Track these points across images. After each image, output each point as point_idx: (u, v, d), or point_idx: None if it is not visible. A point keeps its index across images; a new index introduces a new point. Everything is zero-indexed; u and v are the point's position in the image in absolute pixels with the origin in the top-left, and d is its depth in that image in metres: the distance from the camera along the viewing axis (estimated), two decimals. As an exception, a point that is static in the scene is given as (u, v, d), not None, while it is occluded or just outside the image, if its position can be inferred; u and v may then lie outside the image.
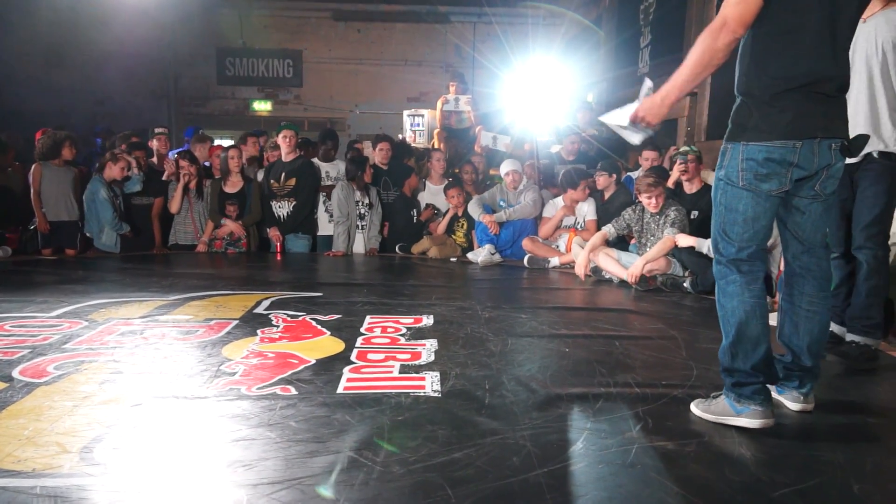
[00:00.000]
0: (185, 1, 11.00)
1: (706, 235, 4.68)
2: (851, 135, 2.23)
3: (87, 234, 6.09)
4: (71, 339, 3.15)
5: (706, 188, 5.17)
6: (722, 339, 2.28)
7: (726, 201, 2.25)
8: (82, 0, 8.80)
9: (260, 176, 6.53)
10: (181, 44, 12.35)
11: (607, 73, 8.99)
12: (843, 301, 3.21)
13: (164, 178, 6.46)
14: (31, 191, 5.85)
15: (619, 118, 2.40)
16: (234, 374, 2.68)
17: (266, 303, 4.04)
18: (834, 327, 3.24)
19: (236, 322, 3.54)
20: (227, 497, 1.70)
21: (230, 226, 6.28)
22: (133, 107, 11.22)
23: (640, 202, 5.01)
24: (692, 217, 4.98)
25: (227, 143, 7.85)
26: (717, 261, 2.32)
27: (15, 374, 2.64)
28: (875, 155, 2.98)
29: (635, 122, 2.33)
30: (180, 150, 7.08)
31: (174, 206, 6.28)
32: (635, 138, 2.45)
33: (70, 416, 2.21)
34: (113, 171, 6.03)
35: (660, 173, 5.13)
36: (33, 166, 5.93)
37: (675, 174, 5.36)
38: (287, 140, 6.33)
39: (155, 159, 6.79)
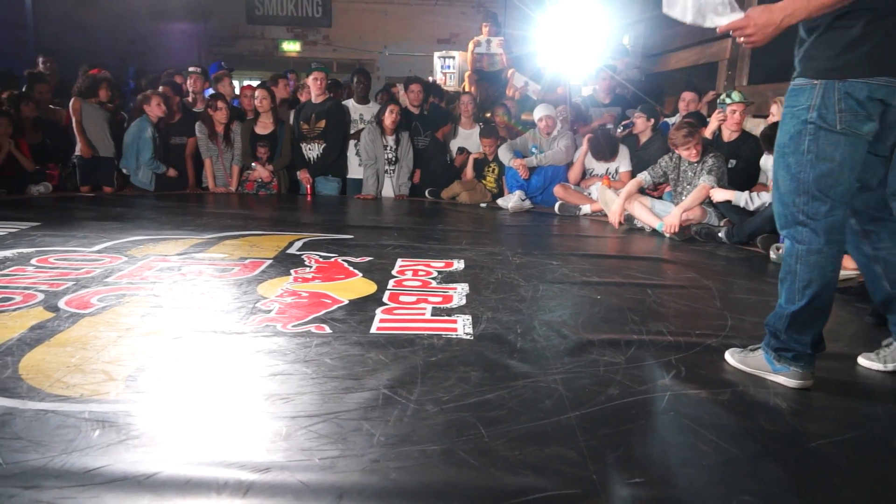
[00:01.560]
0: (214, -64, 10.82)
1: (745, 184, 4.60)
2: None
3: (124, 171, 6.17)
4: (112, 273, 3.22)
5: (745, 135, 5.03)
6: (780, 300, 2.13)
7: (818, 149, 1.96)
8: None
9: (291, 118, 6.50)
10: (210, -20, 12.20)
11: (645, 12, 8.67)
12: None
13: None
14: (73, 121, 5.93)
15: (697, 15, 1.99)
16: (269, 311, 2.73)
17: (298, 244, 4.08)
18: None
19: (270, 261, 3.58)
20: (266, 427, 1.75)
21: (259, 171, 6.30)
22: (163, 46, 11.18)
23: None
24: (731, 166, 4.86)
25: (255, 83, 7.81)
26: (798, 222, 2.03)
27: (61, 304, 2.72)
28: None
29: (730, 32, 1.99)
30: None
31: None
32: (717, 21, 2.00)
33: (114, 346, 2.28)
34: (153, 109, 6.06)
35: (693, 121, 4.98)
36: (72, 100, 5.99)
37: (713, 124, 5.21)
38: (318, 82, 6.27)
39: (190, 99, 6.79)
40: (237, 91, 7.16)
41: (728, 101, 5.01)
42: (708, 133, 5.15)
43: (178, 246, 3.89)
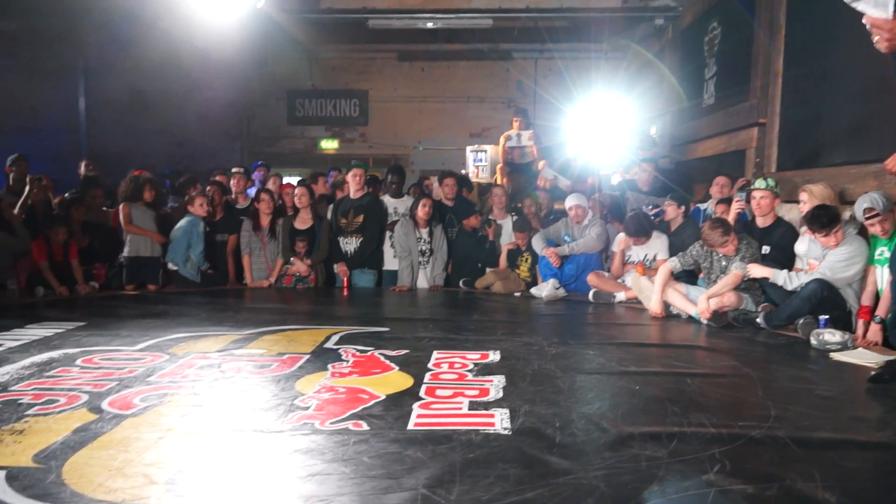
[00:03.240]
0: (259, 48, 11.54)
1: (780, 269, 4.55)
2: None
3: (171, 266, 6.37)
4: (154, 372, 3.30)
5: (779, 222, 5.03)
6: None
7: None
8: (166, 49, 9.35)
9: (329, 214, 6.71)
10: (254, 87, 12.93)
11: (671, 105, 8.90)
12: None
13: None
14: (123, 223, 6.20)
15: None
16: (307, 408, 2.75)
17: (335, 337, 4.13)
18: None
19: (308, 356, 3.63)
20: (305, 530, 1.74)
21: (298, 265, 6.46)
22: (208, 148, 11.76)
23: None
24: (764, 252, 4.84)
25: (295, 180, 8.13)
26: None
27: (104, 405, 2.78)
28: None
29: (873, 28, 2.05)
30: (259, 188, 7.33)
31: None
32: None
33: (155, 447, 2.32)
34: (196, 210, 6.34)
35: (724, 219, 5.01)
36: (121, 205, 6.27)
37: (732, 212, 5.24)
38: (357, 178, 6.51)
39: (233, 196, 7.09)
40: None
41: (753, 188, 5.05)
42: (730, 219, 5.15)
43: (218, 342, 3.98)
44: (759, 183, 5.02)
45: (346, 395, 2.93)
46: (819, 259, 4.35)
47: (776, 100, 6.01)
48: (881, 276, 4.00)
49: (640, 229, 5.73)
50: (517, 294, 6.14)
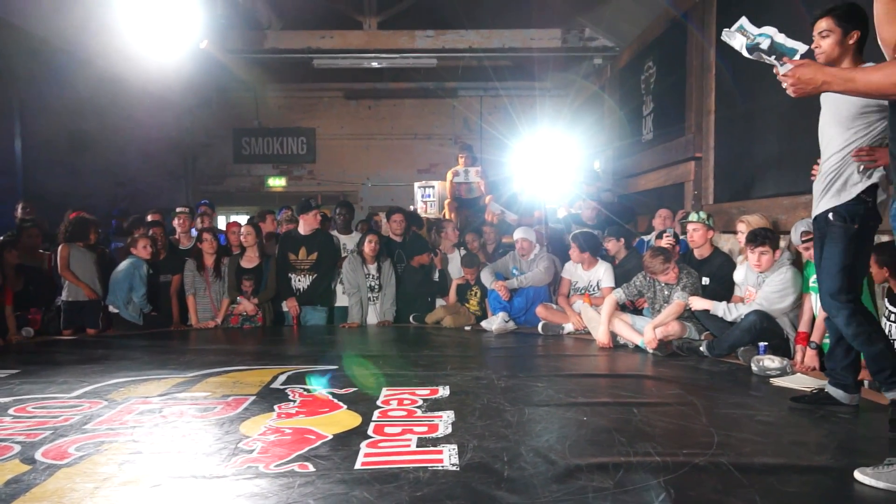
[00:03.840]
0: (203, 86, 11.46)
1: (720, 299, 4.70)
2: None
3: (111, 308, 6.17)
4: (91, 420, 3.17)
5: (716, 253, 5.21)
6: None
7: None
8: (106, 87, 9.19)
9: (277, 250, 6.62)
10: (199, 126, 12.81)
11: (613, 140, 9.19)
12: (840, 361, 3.20)
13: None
14: (60, 267, 5.98)
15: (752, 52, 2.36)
16: (251, 451, 2.68)
17: (283, 377, 4.06)
18: (833, 391, 3.23)
19: (253, 398, 3.55)
20: (247, 579, 1.69)
21: (244, 305, 6.35)
22: (152, 187, 11.51)
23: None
24: (705, 283, 4.99)
25: (243, 219, 8.03)
26: None
27: (38, 456, 2.66)
28: None
29: (783, 77, 2.26)
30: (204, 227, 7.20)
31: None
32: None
33: (91, 498, 2.22)
34: (139, 252, 6.18)
35: (665, 247, 5.19)
36: (60, 247, 6.06)
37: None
38: (316, 216, 6.48)
39: (177, 236, 6.95)
40: (222, 226, 7.34)
41: (687, 221, 5.25)
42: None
43: (160, 386, 3.85)
44: (692, 216, 5.22)
45: (292, 437, 2.87)
46: (756, 286, 4.51)
47: (710, 135, 6.27)
48: (816, 302, 4.16)
49: (592, 246, 5.85)
50: (467, 328, 6.16)
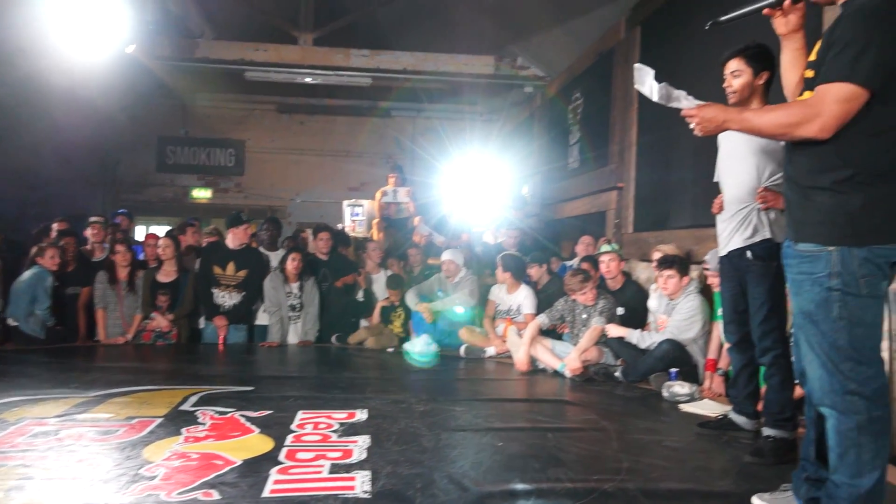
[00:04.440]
0: (128, 91, 11.04)
1: (635, 328, 4.85)
2: None
3: (11, 321, 5.80)
4: (-22, 443, 2.96)
5: (628, 283, 5.39)
6: (837, 476, 2.01)
7: (850, 314, 1.97)
8: (21, 86, 8.73)
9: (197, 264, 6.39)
10: (121, 132, 12.30)
11: (541, 166, 9.39)
12: (742, 390, 3.33)
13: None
14: None
15: (662, 97, 2.53)
16: (153, 478, 2.56)
17: (194, 398, 3.90)
18: (736, 418, 3.36)
19: (160, 420, 3.40)
20: None
21: (158, 321, 6.10)
22: (67, 193, 10.98)
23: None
24: (620, 313, 5.13)
25: (164, 230, 7.74)
26: (848, 391, 1.96)
27: (-89, 483, 2.46)
28: None
29: (687, 117, 2.31)
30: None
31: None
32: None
33: (-32, 529, 2.07)
34: (46, 262, 5.85)
35: (588, 268, 5.33)
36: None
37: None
38: (247, 231, 6.30)
39: (89, 247, 6.62)
40: (139, 238, 7.05)
41: (600, 252, 5.42)
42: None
43: (58, 406, 3.64)
44: (605, 247, 5.40)
45: (198, 462, 2.76)
46: (667, 314, 4.67)
47: (631, 166, 6.49)
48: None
49: (515, 268, 5.92)
50: (390, 350, 6.11)
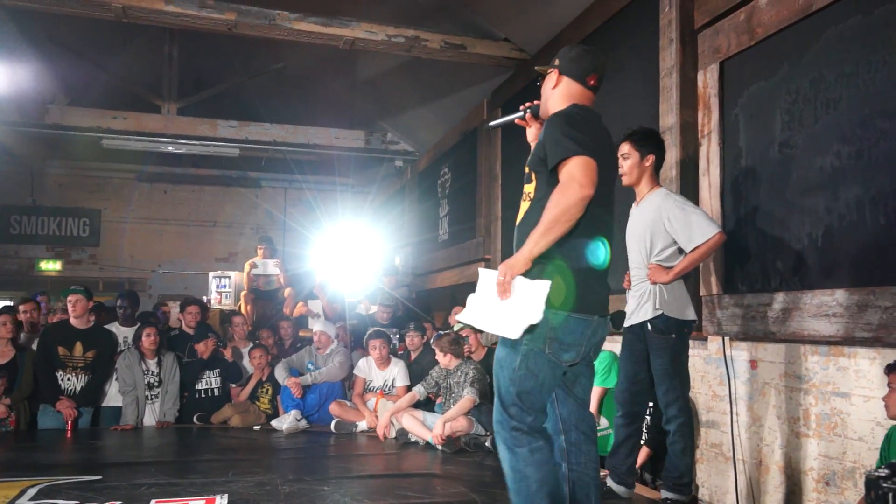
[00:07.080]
0: (-35, 155, 10.24)
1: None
2: None
3: None
4: None
5: (490, 353, 5.54)
6: None
7: (529, 368, 2.28)
8: None
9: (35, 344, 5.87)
10: (-43, 198, 11.33)
11: (412, 237, 9.57)
12: (623, 461, 3.47)
13: None
14: None
15: (479, 307, 2.41)
16: (-25, 588, 2.28)
17: (32, 491, 3.54)
18: (615, 487, 3.49)
19: (-12, 521, 3.05)
20: None
21: (-7, 407, 5.50)
22: None
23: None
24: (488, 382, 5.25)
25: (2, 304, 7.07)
26: (512, 427, 2.30)
27: None
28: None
29: (501, 287, 2.32)
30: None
31: None
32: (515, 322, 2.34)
33: None
34: None
35: (455, 335, 5.44)
36: None
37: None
38: (73, 305, 5.82)
39: None
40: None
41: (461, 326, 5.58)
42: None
43: None
44: (457, 326, 5.55)
45: (31, 566, 2.49)
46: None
47: (498, 238, 6.78)
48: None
49: (384, 341, 5.91)
50: (257, 427, 5.86)
